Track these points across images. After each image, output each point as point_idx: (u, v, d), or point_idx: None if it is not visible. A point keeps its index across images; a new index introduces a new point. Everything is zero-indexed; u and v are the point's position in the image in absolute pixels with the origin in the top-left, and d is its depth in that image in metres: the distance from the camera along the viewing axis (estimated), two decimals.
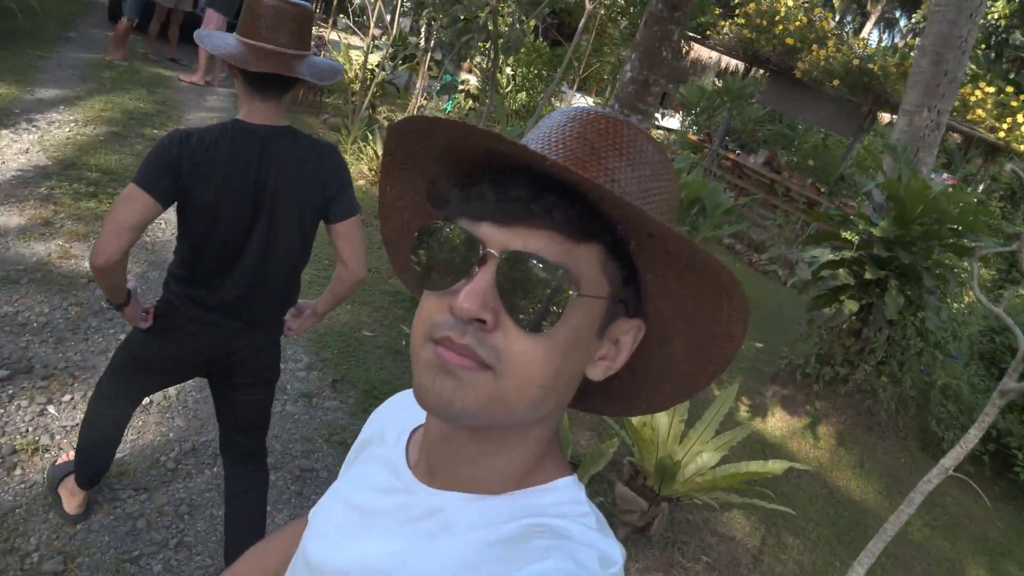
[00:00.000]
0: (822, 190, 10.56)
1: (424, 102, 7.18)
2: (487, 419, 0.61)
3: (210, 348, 2.12)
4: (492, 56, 4.99)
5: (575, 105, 0.75)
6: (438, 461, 0.70)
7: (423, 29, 8.47)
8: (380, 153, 7.15)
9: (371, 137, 7.33)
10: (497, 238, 0.59)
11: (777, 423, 5.52)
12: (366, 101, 7.85)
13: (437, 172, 0.70)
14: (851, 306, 5.47)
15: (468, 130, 0.60)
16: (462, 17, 5.18)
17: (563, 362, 0.61)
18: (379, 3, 7.16)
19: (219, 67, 8.73)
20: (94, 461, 2.38)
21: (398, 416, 0.84)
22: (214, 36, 1.98)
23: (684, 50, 12.23)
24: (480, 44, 6.82)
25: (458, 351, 0.59)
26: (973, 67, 12.25)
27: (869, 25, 27.13)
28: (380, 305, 4.64)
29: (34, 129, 5.56)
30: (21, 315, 3.45)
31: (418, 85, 6.94)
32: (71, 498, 2.49)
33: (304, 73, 1.94)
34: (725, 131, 11.27)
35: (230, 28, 8.71)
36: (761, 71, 11.49)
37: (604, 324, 0.64)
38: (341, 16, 17.10)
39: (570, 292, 0.59)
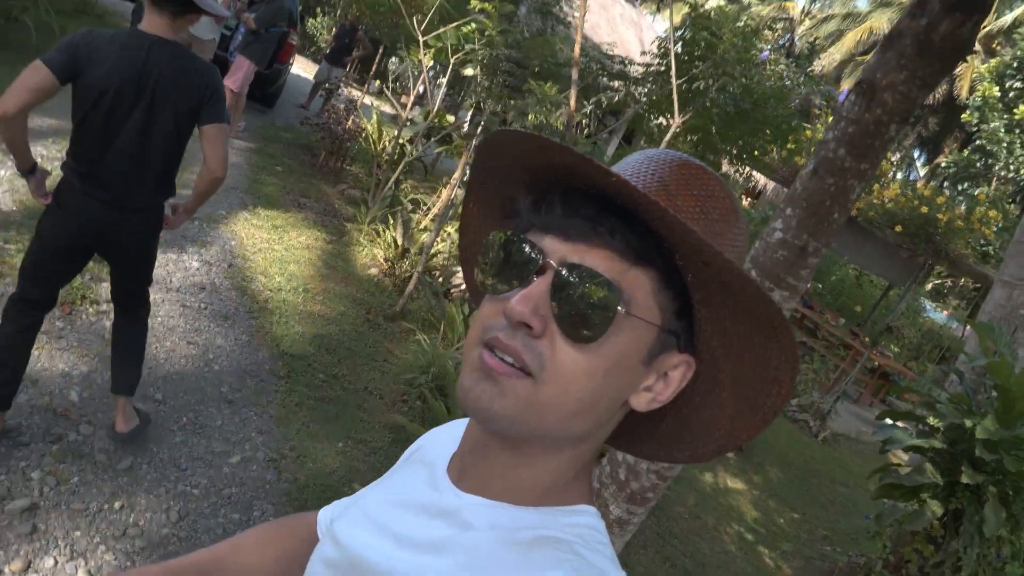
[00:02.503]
0: (861, 336, 9.76)
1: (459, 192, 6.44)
2: (522, 426, 0.63)
3: (93, 220, 2.48)
4: None
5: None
6: (470, 465, 0.72)
7: (470, 114, 7.79)
8: (399, 242, 6.43)
9: (391, 222, 6.53)
10: (557, 250, 0.62)
11: None
12: (392, 178, 7.10)
13: (514, 189, 0.72)
14: (935, 508, 4.59)
15: (551, 144, 0.62)
16: (532, 117, 4.50)
17: (604, 380, 0.63)
18: (424, 76, 6.49)
19: (239, 116, 8.04)
20: (6, 374, 2.57)
21: (452, 432, 0.84)
22: None
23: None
24: None
25: (504, 352, 0.61)
26: None
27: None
28: (378, 446, 3.72)
29: (9, 164, 4.75)
30: None
31: (455, 175, 6.21)
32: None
33: (202, 4, 2.37)
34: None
35: (258, 77, 8.09)
36: None
37: (653, 353, 0.65)
38: (377, 81, 16.81)
39: (618, 308, 0.60)
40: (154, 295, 4.07)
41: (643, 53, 7.51)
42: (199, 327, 4.03)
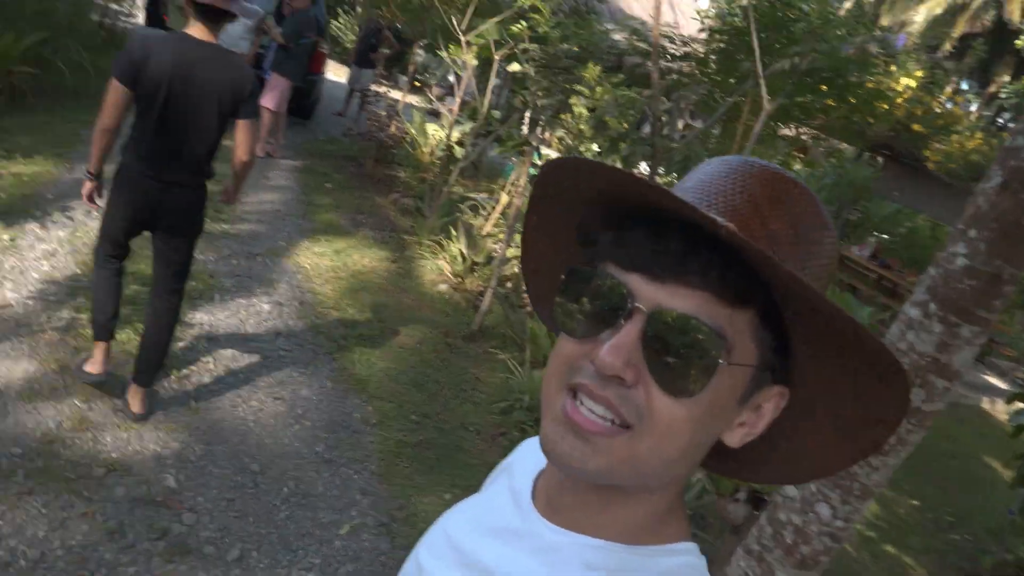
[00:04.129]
0: None
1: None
2: (615, 479, 0.60)
3: (148, 195, 2.87)
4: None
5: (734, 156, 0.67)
6: (557, 499, 0.68)
7: (527, 114, 7.49)
8: (464, 254, 6.19)
9: (455, 233, 6.28)
10: (648, 293, 0.57)
11: None
12: (449, 186, 6.84)
13: (588, 211, 0.66)
14: None
15: (632, 179, 0.58)
16: (612, 123, 4.18)
17: (703, 427, 0.59)
18: (468, 74, 6.20)
19: (281, 136, 7.86)
20: (103, 311, 3.06)
21: (536, 451, 0.73)
22: None
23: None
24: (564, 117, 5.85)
25: (596, 402, 0.57)
26: None
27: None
28: None
29: (67, 221, 4.61)
30: (4, 543, 2.38)
31: (521, 180, 5.92)
32: (93, 364, 3.11)
33: (233, 9, 2.89)
34: (835, 223, 10.04)
35: (294, 91, 7.88)
36: (877, 157, 10.30)
37: (750, 392, 0.61)
38: (401, 76, 16.49)
39: (720, 361, 0.56)
40: (231, 348, 3.91)
41: (700, 30, 7.08)
42: (282, 379, 3.84)
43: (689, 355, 0.56)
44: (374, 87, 10.87)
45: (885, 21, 23.94)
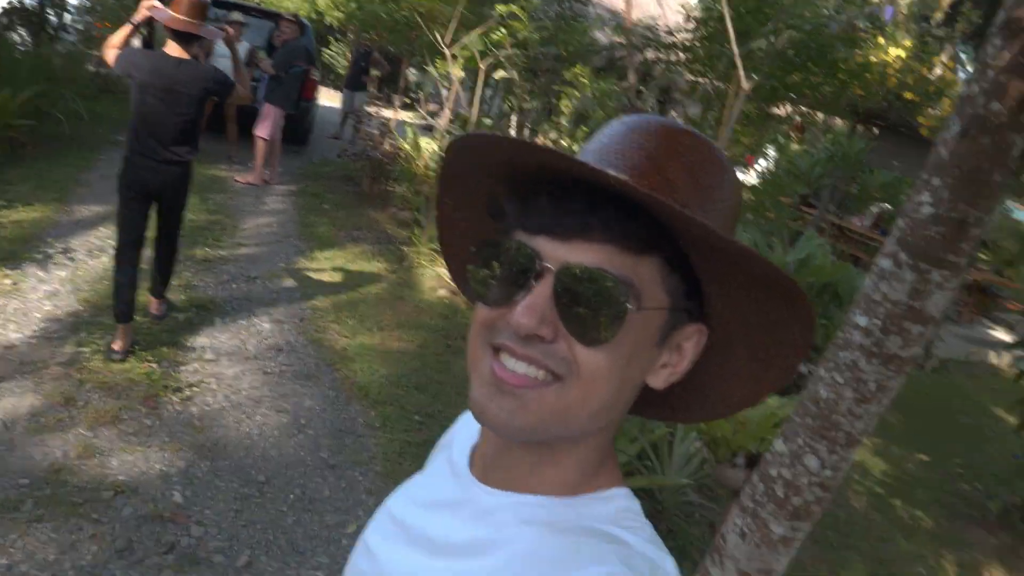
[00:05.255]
0: None
1: None
2: (545, 434, 0.61)
3: (148, 176, 3.71)
4: None
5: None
6: (493, 464, 0.69)
7: (514, 117, 7.56)
8: None
9: None
10: (554, 252, 0.59)
11: None
12: None
13: (495, 185, 0.68)
14: None
15: (527, 146, 0.60)
16: (598, 115, 4.20)
17: (625, 372, 0.62)
18: (455, 86, 6.27)
19: (277, 163, 7.96)
20: (123, 295, 3.74)
21: (471, 423, 0.80)
22: (159, 10, 3.61)
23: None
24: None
25: (521, 360, 0.59)
26: None
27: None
28: None
29: (67, 263, 4.71)
30: (15, 569, 2.44)
31: None
32: (116, 342, 3.77)
33: (202, 33, 3.70)
34: (833, 197, 10.00)
35: (288, 119, 7.98)
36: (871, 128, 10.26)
37: (665, 333, 0.63)
38: (393, 94, 16.62)
39: (629, 307, 0.58)
40: (234, 367, 3.97)
41: (688, 19, 7.13)
42: (284, 392, 3.89)
43: (599, 305, 0.57)
44: (368, 108, 10.99)
45: None
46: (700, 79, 7.35)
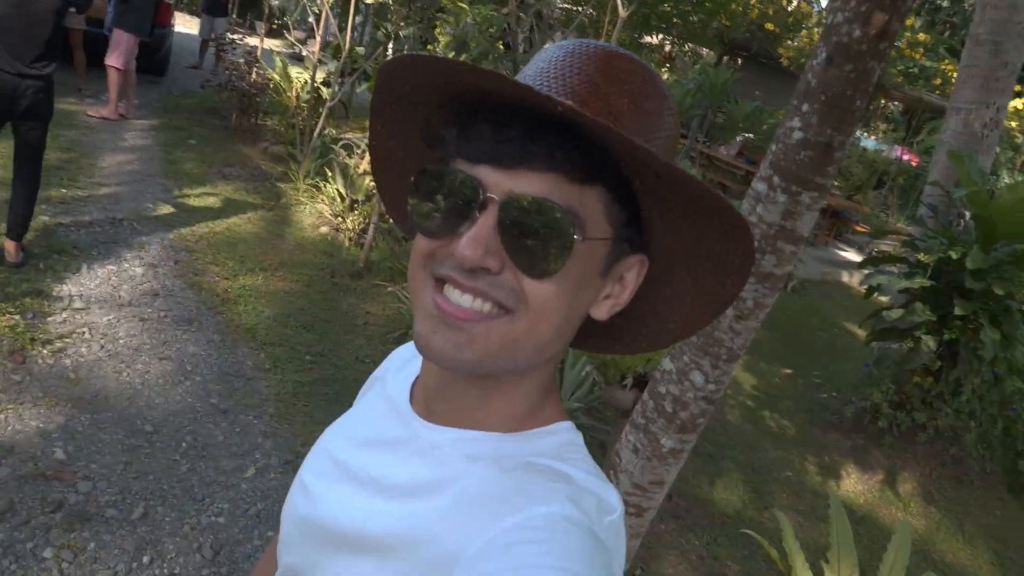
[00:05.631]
0: None
1: None
2: (492, 367, 0.60)
3: (6, 87, 3.56)
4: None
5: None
6: (436, 400, 0.68)
7: (391, 46, 7.30)
8: (342, 194, 6.08)
9: (329, 173, 6.15)
10: (498, 181, 0.57)
11: (854, 484, 4.67)
12: (318, 127, 6.65)
13: (431, 111, 0.65)
14: (930, 343, 4.69)
15: (469, 70, 0.55)
16: (473, 44, 4.13)
17: (572, 304, 0.61)
18: (325, 11, 5.98)
19: (133, 95, 7.38)
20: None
21: (405, 356, 0.82)
22: None
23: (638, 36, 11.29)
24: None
25: (468, 293, 0.58)
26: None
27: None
28: None
29: None
30: None
31: None
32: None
33: None
34: (702, 126, 10.38)
35: (142, 47, 7.39)
36: (736, 59, 10.65)
37: (609, 264, 0.63)
38: (257, 21, 15.60)
39: (576, 238, 0.57)
40: (108, 315, 3.76)
41: None
42: (165, 339, 3.73)
43: (546, 236, 0.56)
44: (229, 35, 10.31)
45: None
46: (576, 7, 7.35)
